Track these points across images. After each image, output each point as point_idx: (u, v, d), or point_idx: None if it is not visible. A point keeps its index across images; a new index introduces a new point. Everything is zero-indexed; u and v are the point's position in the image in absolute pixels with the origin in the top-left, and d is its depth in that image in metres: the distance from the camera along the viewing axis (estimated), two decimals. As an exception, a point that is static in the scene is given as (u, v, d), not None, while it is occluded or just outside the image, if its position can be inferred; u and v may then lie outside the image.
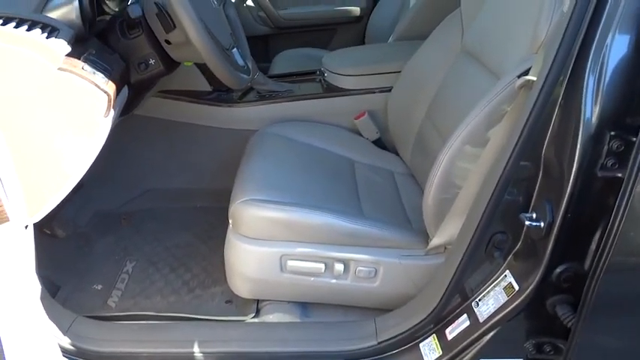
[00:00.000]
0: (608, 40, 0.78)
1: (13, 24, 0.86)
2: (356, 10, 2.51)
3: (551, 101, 0.84)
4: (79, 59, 0.93)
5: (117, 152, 1.60)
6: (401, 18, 2.11)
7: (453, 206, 1.09)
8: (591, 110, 0.79)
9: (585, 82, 0.79)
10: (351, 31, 2.56)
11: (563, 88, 0.82)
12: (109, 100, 0.93)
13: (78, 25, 0.98)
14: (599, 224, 0.84)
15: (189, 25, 0.99)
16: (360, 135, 1.66)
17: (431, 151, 1.33)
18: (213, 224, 1.64)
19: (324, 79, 1.72)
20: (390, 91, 1.61)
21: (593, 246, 0.87)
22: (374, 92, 1.64)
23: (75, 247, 1.49)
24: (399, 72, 1.58)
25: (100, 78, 0.93)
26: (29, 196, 0.88)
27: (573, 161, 0.80)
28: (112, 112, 0.97)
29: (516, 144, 0.88)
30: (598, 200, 0.83)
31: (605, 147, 0.79)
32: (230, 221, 1.22)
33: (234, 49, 1.24)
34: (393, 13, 2.25)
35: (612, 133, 0.78)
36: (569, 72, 0.81)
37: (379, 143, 1.66)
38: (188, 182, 1.73)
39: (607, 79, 0.78)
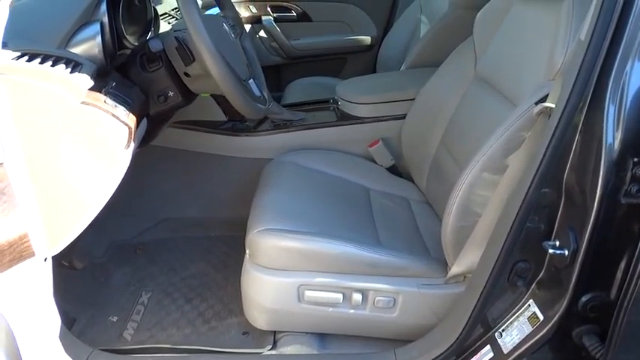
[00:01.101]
0: (628, 67, 0.78)
1: (39, 60, 0.88)
2: (367, 39, 2.55)
3: (571, 128, 0.84)
4: (101, 93, 0.95)
5: (132, 182, 1.60)
6: (412, 46, 2.13)
7: (472, 234, 1.07)
8: (613, 137, 0.78)
9: (606, 109, 0.79)
10: (363, 60, 2.59)
11: (584, 115, 0.82)
12: (130, 133, 0.94)
13: (100, 59, 1.00)
14: (625, 252, 0.83)
15: (209, 59, 1.01)
16: (375, 162, 1.66)
17: (447, 177, 1.33)
18: (229, 253, 1.63)
19: (337, 108, 1.73)
20: (403, 118, 1.61)
21: (620, 274, 0.85)
22: (388, 120, 1.64)
23: (91, 278, 1.49)
24: (413, 99, 1.59)
25: (121, 111, 0.94)
26: (49, 229, 0.88)
27: (596, 188, 0.79)
28: (132, 144, 0.98)
29: (537, 171, 0.88)
30: (623, 227, 0.82)
31: (629, 173, 0.78)
32: (247, 251, 1.21)
33: (251, 80, 1.26)
34: (403, 42, 2.27)
35: (635, 159, 0.77)
36: (588, 99, 0.81)
37: (394, 170, 1.66)
38: (203, 211, 1.74)
39: (628, 105, 0.78)
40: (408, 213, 1.46)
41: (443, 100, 1.46)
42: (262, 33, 2.50)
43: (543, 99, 0.95)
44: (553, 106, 0.89)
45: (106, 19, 1.03)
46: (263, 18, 2.46)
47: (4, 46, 0.84)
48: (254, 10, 2.47)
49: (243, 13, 2.45)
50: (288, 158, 1.56)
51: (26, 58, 0.86)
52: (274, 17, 2.48)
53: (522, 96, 1.10)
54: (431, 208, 1.47)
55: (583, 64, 0.81)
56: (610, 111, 0.79)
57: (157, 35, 1.17)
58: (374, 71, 2.52)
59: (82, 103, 0.88)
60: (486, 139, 1.04)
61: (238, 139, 1.64)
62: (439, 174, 1.42)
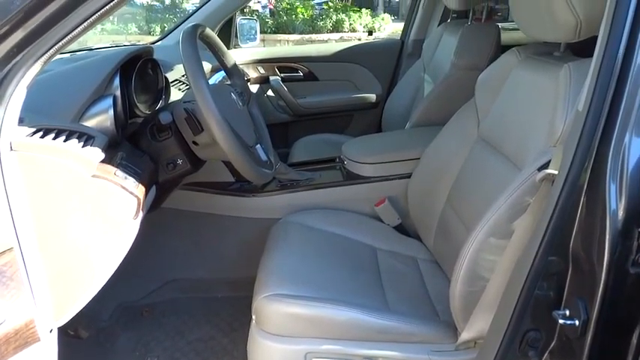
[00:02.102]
0: (626, 139, 0.79)
1: (52, 135, 0.91)
2: (372, 96, 2.61)
3: (575, 196, 0.84)
4: (112, 164, 0.98)
5: (140, 243, 1.62)
6: (416, 105, 2.18)
7: (481, 300, 1.06)
8: (616, 206, 0.78)
9: (608, 179, 0.79)
10: (368, 117, 2.64)
11: (586, 184, 0.83)
12: (139, 204, 0.96)
13: (112, 131, 1.03)
14: (638, 323, 0.81)
15: (217, 130, 1.04)
16: (382, 221, 1.66)
17: (454, 238, 1.33)
18: (235, 316, 1.62)
19: (344, 167, 1.75)
20: (409, 177, 1.63)
21: (635, 343, 0.83)
22: (393, 179, 1.66)
23: (96, 344, 1.47)
24: (418, 159, 1.61)
25: (130, 182, 0.96)
26: (56, 299, 0.89)
27: (603, 257, 0.78)
28: (141, 214, 1.00)
29: (543, 238, 0.87)
30: (634, 297, 0.81)
31: (635, 243, 0.78)
32: (253, 317, 1.20)
33: (258, 145, 1.29)
34: (407, 100, 2.32)
35: (640, 229, 0.77)
36: (590, 168, 0.82)
37: (401, 229, 1.66)
38: (210, 272, 1.74)
39: (629, 175, 0.78)
40: (416, 273, 1.45)
41: (447, 160, 1.48)
42: (270, 92, 2.57)
43: (546, 165, 0.97)
44: (556, 172, 0.90)
45: (118, 93, 1.07)
46: (271, 78, 2.54)
47: (21, 122, 0.87)
48: (262, 71, 2.55)
49: (252, 73, 2.53)
50: (295, 218, 1.57)
51: (40, 133, 0.89)
52: (282, 77, 2.56)
53: (525, 160, 1.12)
54: (439, 268, 1.46)
55: (582, 134, 0.82)
56: (612, 180, 0.79)
57: (166, 106, 1.22)
58: (379, 128, 2.56)
59: (93, 176, 0.91)
60: (491, 202, 1.05)
61: (246, 199, 1.66)
62: (446, 233, 1.41)
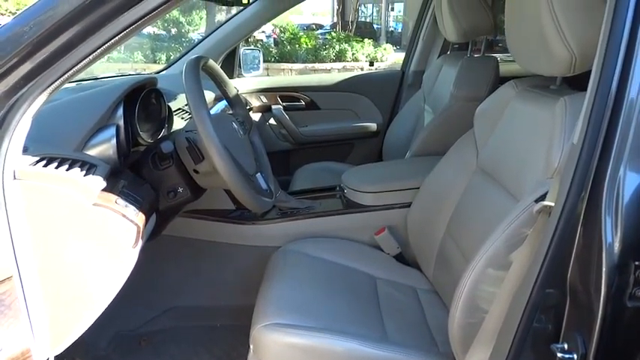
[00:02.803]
0: (621, 172, 0.80)
1: (55, 164, 0.93)
2: (373, 125, 2.64)
3: (571, 228, 0.85)
4: (113, 192, 0.99)
5: (139, 271, 1.62)
6: (416, 134, 2.21)
7: (480, 331, 1.05)
8: (612, 239, 0.79)
9: (603, 212, 0.80)
10: (369, 145, 2.67)
11: (582, 216, 0.83)
12: (138, 232, 0.97)
13: (114, 160, 1.05)
14: (637, 356, 0.80)
15: (217, 158, 1.06)
16: (381, 250, 1.66)
17: (453, 267, 1.33)
18: (233, 345, 1.61)
19: (344, 196, 1.76)
20: (409, 206, 1.64)
21: (634, 378, 0.82)
22: (393, 208, 1.67)
23: (93, 373, 1.46)
24: (417, 188, 1.62)
25: (131, 211, 0.97)
26: (53, 328, 0.88)
27: (600, 291, 0.79)
28: (140, 242, 1.00)
29: (540, 270, 0.88)
30: (632, 331, 0.80)
31: (632, 277, 0.78)
32: (251, 346, 1.19)
33: (258, 174, 1.31)
34: (408, 129, 2.35)
35: (637, 263, 0.77)
36: (585, 201, 0.82)
37: (400, 258, 1.66)
38: (209, 300, 1.73)
39: (624, 209, 0.79)
40: (416, 303, 1.44)
41: (447, 190, 1.49)
42: (272, 121, 2.60)
43: (543, 196, 0.97)
44: (552, 204, 0.91)
45: (121, 122, 1.09)
46: (273, 107, 2.57)
47: (25, 150, 0.89)
48: (264, 100, 2.59)
49: (255, 102, 2.57)
50: (294, 247, 1.57)
51: (44, 162, 0.91)
52: (284, 106, 2.60)
53: (523, 191, 1.13)
54: (439, 298, 1.45)
55: (577, 167, 0.83)
56: (607, 213, 0.80)
57: (168, 135, 1.24)
58: (380, 156, 2.58)
59: (94, 204, 0.92)
60: (489, 233, 1.06)
61: (246, 227, 1.67)
62: (445, 263, 1.41)
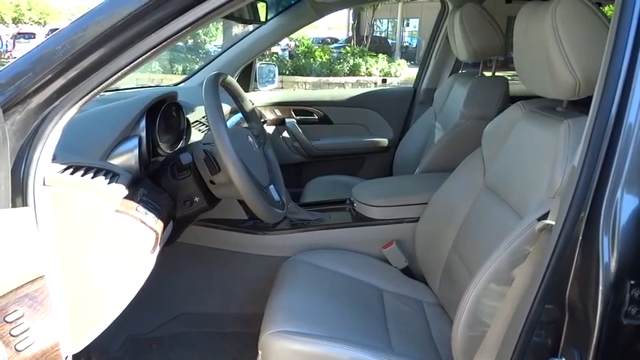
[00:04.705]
0: (618, 195, 0.83)
1: (82, 172, 0.98)
2: (384, 141, 2.69)
3: (570, 247, 0.88)
4: (134, 200, 1.04)
5: (152, 277, 1.67)
6: (426, 150, 2.25)
7: (482, 344, 1.08)
8: (609, 258, 0.82)
9: (600, 232, 0.83)
10: (380, 160, 2.71)
11: (581, 236, 0.87)
12: (157, 238, 1.02)
13: (135, 169, 1.11)
14: (633, 374, 0.83)
15: (233, 170, 1.11)
16: (389, 263, 1.70)
17: (459, 283, 1.36)
18: (242, 351, 1.64)
19: (353, 209, 1.80)
20: (417, 221, 1.67)
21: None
22: (401, 222, 1.70)
23: (106, 374, 1.50)
24: (426, 203, 1.66)
25: (150, 218, 1.02)
26: (74, 327, 0.93)
27: (597, 308, 0.82)
28: (158, 248, 1.05)
29: (540, 286, 0.91)
30: (628, 348, 0.83)
31: (627, 295, 0.81)
32: (259, 352, 1.23)
33: (271, 186, 1.35)
34: (418, 145, 2.39)
35: (632, 282, 0.80)
36: (584, 222, 0.86)
37: (407, 272, 1.69)
38: (219, 307, 1.77)
39: (620, 231, 0.82)
40: (421, 316, 1.47)
41: (454, 207, 1.52)
42: (286, 134, 2.66)
43: (545, 215, 1.01)
44: (553, 223, 0.94)
45: (144, 134, 1.15)
46: (287, 120, 2.63)
47: (54, 159, 0.95)
48: (278, 114, 2.65)
49: (269, 115, 2.63)
50: (304, 258, 1.61)
51: (71, 170, 0.96)
52: (297, 119, 2.65)
53: (527, 209, 1.16)
54: (444, 312, 1.48)
55: (577, 188, 0.87)
56: (605, 233, 0.83)
57: (186, 146, 1.30)
58: (390, 171, 2.62)
59: (116, 211, 0.97)
60: (494, 249, 1.09)
61: (257, 237, 1.71)
62: (451, 278, 1.44)
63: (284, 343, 1.17)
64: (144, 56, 0.89)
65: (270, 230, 1.71)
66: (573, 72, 1.09)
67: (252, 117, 1.49)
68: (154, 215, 1.04)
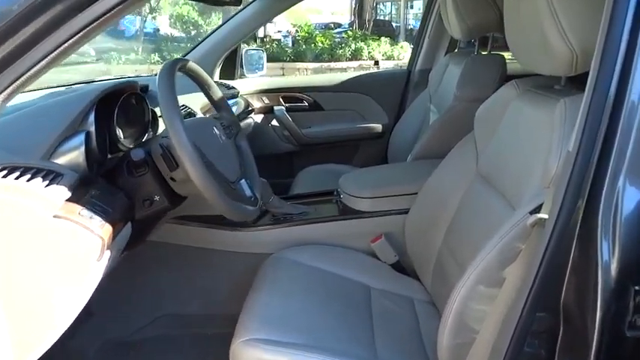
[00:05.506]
0: (620, 184, 0.71)
1: (17, 173, 0.88)
2: (378, 126, 2.56)
3: (564, 245, 0.77)
4: (79, 203, 0.94)
5: (129, 278, 1.58)
6: (421, 135, 2.12)
7: (471, 352, 0.97)
8: (609, 258, 0.71)
9: (599, 229, 0.72)
10: (374, 147, 2.59)
11: (577, 232, 0.75)
12: (103, 245, 0.92)
13: (83, 168, 1.00)
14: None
15: (189, 165, 1.00)
16: (378, 258, 1.59)
17: (450, 280, 1.24)
18: (226, 354, 1.55)
19: (340, 201, 1.69)
20: (407, 212, 1.56)
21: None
22: (390, 214, 1.59)
23: (77, 384, 1.42)
24: (416, 193, 1.55)
25: (96, 222, 0.92)
26: (15, 345, 0.84)
27: (595, 317, 0.70)
28: (107, 255, 0.95)
29: (530, 291, 0.80)
30: (632, 361, 0.72)
31: (631, 302, 0.70)
32: (231, 361, 1.14)
33: (242, 181, 1.25)
34: (414, 130, 2.27)
35: (637, 287, 0.69)
36: (580, 215, 0.74)
37: (398, 267, 1.58)
38: (201, 308, 1.68)
39: (623, 225, 0.71)
40: (411, 316, 1.37)
41: (445, 196, 1.41)
42: (275, 122, 2.55)
43: (538, 208, 0.89)
44: (546, 217, 0.83)
45: (92, 129, 1.04)
46: (275, 108, 2.52)
47: (-14, 160, 0.85)
48: (266, 101, 2.54)
49: (256, 104, 2.52)
50: (286, 255, 1.51)
51: (4, 172, 0.86)
52: (286, 107, 2.54)
53: (521, 200, 1.05)
54: (436, 310, 1.37)
55: (571, 178, 0.75)
56: (604, 230, 0.72)
57: (142, 142, 1.19)
58: (386, 158, 2.50)
59: (55, 216, 0.87)
60: (483, 245, 0.98)
61: (237, 233, 1.61)
62: (442, 275, 1.33)
63: (254, 352, 1.08)
64: (71, 40, 0.78)
65: (251, 226, 1.61)
66: (569, 43, 0.96)
67: (221, 106, 1.37)
68: (101, 219, 0.94)
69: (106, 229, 0.94)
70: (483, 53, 2.06)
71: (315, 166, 2.40)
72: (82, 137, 1.00)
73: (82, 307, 0.92)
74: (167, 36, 14.40)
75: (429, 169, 1.53)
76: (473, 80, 1.80)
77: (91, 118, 1.05)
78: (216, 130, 1.23)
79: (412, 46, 2.86)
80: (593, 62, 0.77)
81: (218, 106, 1.38)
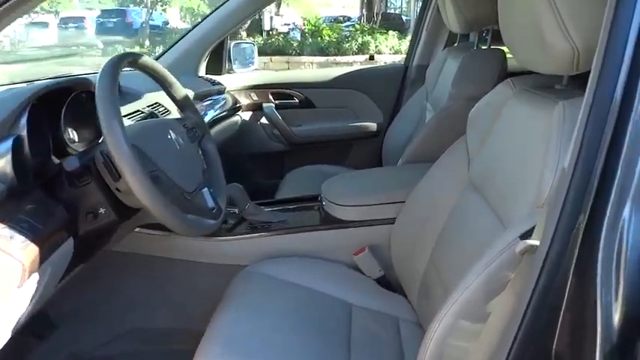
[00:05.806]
0: (626, 210, 0.58)
1: None
2: (372, 125, 2.43)
3: (557, 282, 0.63)
4: (4, 220, 0.82)
5: (95, 291, 1.47)
6: (416, 135, 1.98)
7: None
8: (611, 306, 0.57)
9: (598, 264, 0.58)
10: (369, 147, 2.45)
11: (572, 267, 0.62)
12: (23, 270, 0.80)
13: (11, 178, 0.88)
14: None
15: (130, 177, 0.88)
16: (362, 273, 1.46)
17: (435, 302, 1.12)
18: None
19: (322, 208, 1.56)
20: (393, 222, 1.43)
21: None
22: (375, 225, 1.46)
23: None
24: (403, 202, 1.41)
25: (16, 244, 0.80)
26: None
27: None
28: (32, 279, 0.83)
29: (517, 333, 0.66)
30: None
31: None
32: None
33: (204, 190, 1.12)
34: (409, 130, 2.13)
35: (644, 342, 0.55)
36: (576, 248, 0.61)
37: (383, 281, 1.45)
38: (172, 322, 1.56)
39: (628, 261, 0.57)
40: (395, 338, 1.24)
41: (434, 206, 1.28)
42: (264, 120, 2.42)
43: (530, 232, 0.76)
44: (538, 243, 0.69)
45: (24, 132, 0.92)
46: (264, 105, 2.39)
47: None
48: (255, 98, 2.41)
49: (244, 100, 2.39)
50: (260, 268, 1.39)
51: None
52: (276, 104, 2.41)
53: (512, 219, 0.91)
54: (423, 332, 1.24)
55: (566, 201, 0.62)
56: (604, 267, 0.58)
57: (87, 149, 1.06)
58: (380, 159, 2.37)
59: (-36, 237, 0.75)
60: (468, 270, 0.84)
61: (210, 243, 1.49)
62: (427, 295, 1.20)
63: None
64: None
65: (223, 236, 1.48)
66: (569, 38, 0.82)
67: (185, 105, 1.24)
68: (24, 238, 0.82)
69: (28, 252, 0.82)
70: (483, 48, 1.91)
71: (304, 167, 2.27)
72: (9, 143, 0.88)
73: (7, 336, 0.80)
74: (175, 29, 14.32)
75: (421, 174, 1.40)
76: (470, 77, 1.66)
77: (23, 121, 0.92)
78: (172, 133, 1.10)
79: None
80: (596, 58, 0.63)
81: (181, 105, 1.25)
